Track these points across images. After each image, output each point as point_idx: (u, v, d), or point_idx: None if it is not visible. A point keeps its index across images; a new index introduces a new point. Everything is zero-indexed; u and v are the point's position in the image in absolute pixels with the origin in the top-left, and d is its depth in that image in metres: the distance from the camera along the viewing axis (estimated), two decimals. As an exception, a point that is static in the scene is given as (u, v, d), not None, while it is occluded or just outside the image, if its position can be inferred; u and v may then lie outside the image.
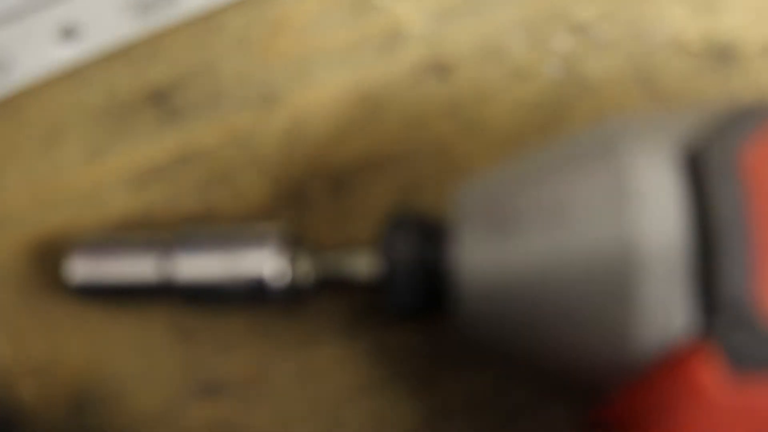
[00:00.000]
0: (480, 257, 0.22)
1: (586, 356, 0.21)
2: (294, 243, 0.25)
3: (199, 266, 0.25)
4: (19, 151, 0.30)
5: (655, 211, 0.20)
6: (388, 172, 0.29)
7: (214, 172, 0.30)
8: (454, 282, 0.22)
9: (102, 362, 0.29)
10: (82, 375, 0.29)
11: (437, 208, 0.28)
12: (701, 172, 0.20)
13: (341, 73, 0.30)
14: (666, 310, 0.20)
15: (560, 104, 0.29)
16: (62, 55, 0.30)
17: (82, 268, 0.26)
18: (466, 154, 0.29)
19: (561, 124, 0.29)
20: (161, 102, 0.30)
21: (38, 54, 0.30)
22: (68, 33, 0.30)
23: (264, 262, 0.24)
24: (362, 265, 0.24)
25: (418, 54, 0.30)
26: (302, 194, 0.29)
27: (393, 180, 0.29)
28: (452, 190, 0.23)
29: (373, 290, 0.24)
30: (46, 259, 0.30)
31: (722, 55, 0.30)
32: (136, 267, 0.25)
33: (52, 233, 0.30)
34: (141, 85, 0.30)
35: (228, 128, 0.30)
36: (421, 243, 0.24)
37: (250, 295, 0.25)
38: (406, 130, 0.29)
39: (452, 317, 0.24)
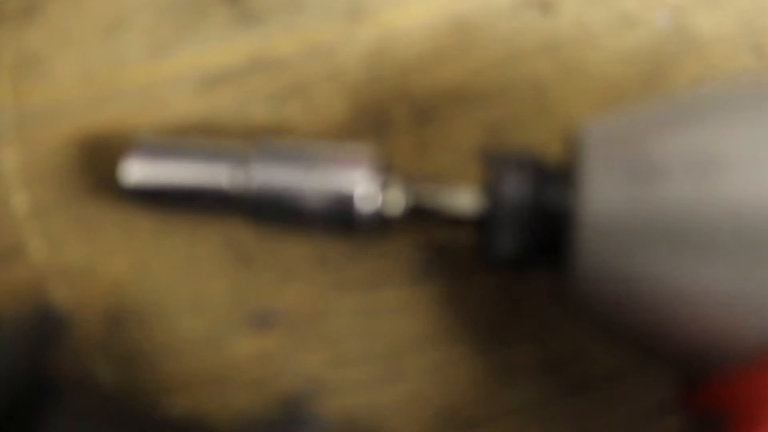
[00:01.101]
0: (610, 202, 0.19)
1: (712, 329, 0.19)
2: (386, 168, 0.22)
3: (279, 178, 0.22)
4: (77, 39, 0.27)
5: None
6: (477, 107, 0.26)
7: (289, 83, 0.27)
8: (576, 227, 0.19)
9: (145, 276, 0.26)
10: (122, 288, 0.26)
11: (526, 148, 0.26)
12: None
13: (438, -7, 0.27)
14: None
15: (666, 57, 0.27)
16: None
17: (139, 169, 0.23)
18: (562, 97, 0.26)
19: (664, 79, 0.27)
20: (237, 1, 0.27)
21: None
22: None
23: (356, 183, 0.22)
24: (465, 200, 0.22)
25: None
26: (383, 119, 0.26)
27: (482, 115, 0.26)
28: (576, 128, 0.21)
29: (472, 231, 0.22)
30: (95, 157, 0.27)
31: None
32: (204, 173, 0.23)
33: (104, 130, 0.27)
34: (217, -20, 0.27)
35: (308, 38, 0.27)
36: (537, 182, 0.21)
37: (334, 218, 0.22)
38: (500, 63, 0.27)
39: (559, 271, 0.21)
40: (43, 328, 0.17)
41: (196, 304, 0.26)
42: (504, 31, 0.27)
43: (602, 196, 0.20)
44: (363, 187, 0.22)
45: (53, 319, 0.18)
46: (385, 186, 0.22)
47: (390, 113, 0.26)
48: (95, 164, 0.27)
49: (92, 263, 0.26)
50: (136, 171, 0.23)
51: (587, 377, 0.25)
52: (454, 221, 0.22)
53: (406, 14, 0.27)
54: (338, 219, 0.22)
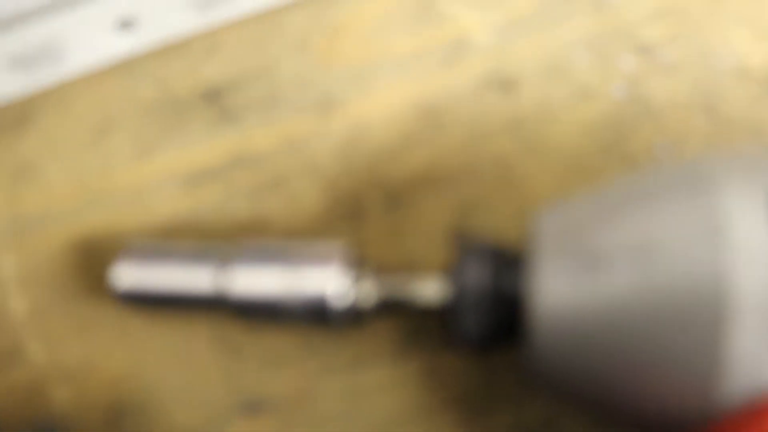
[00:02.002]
0: (560, 289, 0.21)
1: (667, 401, 0.20)
2: (357, 263, 0.24)
3: (257, 281, 0.24)
4: (66, 143, 0.29)
5: (751, 253, 0.19)
6: (446, 188, 0.28)
7: (268, 177, 0.28)
8: (530, 313, 0.21)
9: (141, 372, 0.28)
10: (120, 384, 0.28)
11: (495, 229, 0.27)
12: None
13: (403, 82, 0.29)
14: (758, 360, 0.19)
15: (623, 126, 0.28)
16: (118, 45, 0.29)
17: (129, 275, 0.25)
18: (525, 172, 0.28)
19: (623, 146, 0.28)
20: (216, 101, 0.29)
21: (93, 43, 0.29)
22: (126, 24, 0.29)
23: (328, 281, 0.23)
24: (430, 290, 0.24)
25: (482, 66, 0.29)
26: (358, 206, 0.28)
27: (450, 197, 0.28)
28: (530, 217, 0.22)
29: (440, 317, 0.23)
30: (88, 260, 0.28)
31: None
32: (189, 277, 0.24)
33: (96, 232, 0.28)
34: (196, 83, 0.29)
35: (284, 133, 0.29)
36: (495, 270, 0.23)
37: (310, 314, 0.24)
38: (467, 145, 0.28)
39: (521, 349, 0.22)
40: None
41: (190, 395, 0.27)
42: (468, 113, 0.29)
43: (552, 284, 0.21)
44: (334, 284, 0.24)
45: (56, 429, 0.19)
46: (356, 280, 0.24)
47: (363, 201, 0.28)
48: (89, 266, 0.28)
49: (90, 362, 0.28)
50: (125, 277, 0.25)
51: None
52: (423, 309, 0.24)
53: (374, 104, 0.29)
54: (314, 315, 0.24)
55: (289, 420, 0.27)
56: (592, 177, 0.28)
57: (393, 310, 0.24)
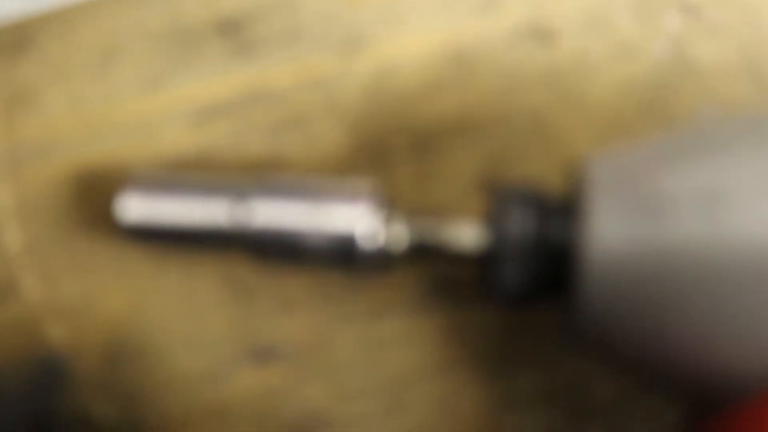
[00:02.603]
0: (615, 236, 0.19)
1: (727, 365, 0.19)
2: (388, 203, 0.22)
3: (279, 215, 0.22)
4: (70, 73, 0.27)
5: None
6: (478, 138, 0.26)
7: (286, 115, 0.26)
8: (580, 262, 0.19)
9: (143, 313, 0.26)
10: (120, 325, 0.26)
11: (528, 181, 0.26)
12: None
13: (436, 24, 0.27)
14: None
15: (665, 87, 0.27)
16: (131, -34, 0.27)
17: (136, 205, 0.23)
18: (561, 127, 0.26)
19: (664, 108, 0.27)
20: (232, 33, 0.27)
21: (105, -38, 0.27)
22: (142, -58, 0.27)
23: (357, 220, 0.21)
24: (467, 235, 0.22)
25: (520, 15, 0.27)
26: (382, 150, 0.26)
27: (481, 146, 0.26)
28: (579, 162, 0.20)
29: (476, 266, 0.21)
30: (90, 193, 0.26)
31: None
32: (203, 209, 0.22)
33: (99, 165, 0.26)
34: (211, 12, 0.27)
35: (305, 69, 0.27)
36: (541, 216, 0.21)
37: (336, 255, 0.22)
38: (500, 94, 0.26)
39: (565, 304, 0.20)
40: (45, 378, 0.17)
41: (195, 339, 0.25)
42: (503, 62, 0.27)
43: (607, 231, 0.19)
44: (364, 224, 0.22)
45: (54, 368, 0.17)
46: (387, 222, 0.22)
47: (388, 145, 0.26)
48: (90, 200, 0.26)
49: (88, 301, 0.26)
50: (132, 208, 0.23)
51: (590, 406, 0.25)
52: (456, 256, 0.22)
53: (404, 45, 0.27)
54: (340, 256, 0.22)
55: (301, 369, 0.25)
56: (630, 137, 0.26)
57: (423, 256, 0.22)
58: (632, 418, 0.25)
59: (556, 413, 0.25)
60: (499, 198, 0.21)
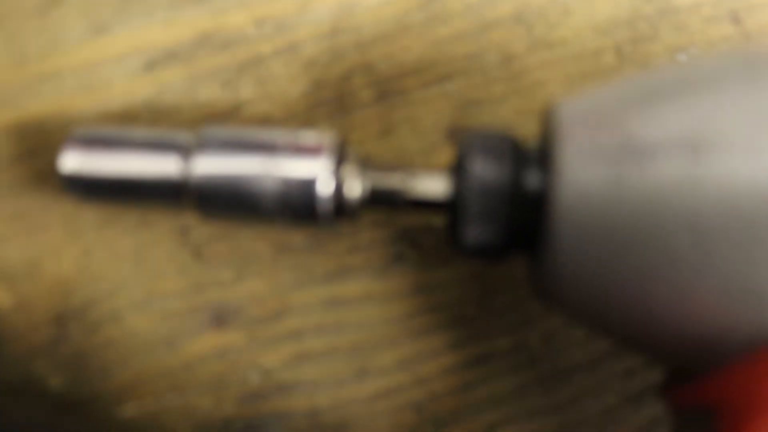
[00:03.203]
0: (593, 186, 0.18)
1: (705, 321, 0.17)
2: (348, 154, 0.21)
3: (234, 167, 0.20)
4: (9, 19, 0.25)
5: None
6: (444, 81, 0.25)
7: (242, 59, 0.25)
8: (554, 210, 0.18)
9: (93, 276, 0.24)
10: (70, 288, 0.24)
11: (498, 127, 0.24)
12: None
13: (399, -40, 0.25)
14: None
15: (641, 27, 0.25)
16: None
17: (80, 161, 0.21)
18: (534, 68, 0.25)
19: (641, 48, 0.25)
20: (183, -27, 0.25)
21: None
22: None
23: (316, 170, 0.20)
24: (434, 185, 0.20)
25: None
26: (342, 94, 0.24)
27: (449, 90, 0.25)
28: (551, 106, 0.19)
29: (443, 215, 0.20)
30: (33, 148, 0.25)
31: None
32: (152, 162, 0.21)
33: (42, 116, 0.25)
34: (160, -49, 0.25)
35: (261, 10, 0.25)
36: (510, 164, 0.19)
37: (295, 206, 0.20)
38: (468, 34, 0.25)
39: (537, 256, 0.19)
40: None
41: (148, 302, 0.24)
42: (471, 0, 0.25)
43: (582, 179, 0.18)
44: (324, 174, 0.20)
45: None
46: (346, 171, 0.20)
47: (349, 89, 0.25)
48: (35, 155, 0.25)
49: (34, 260, 0.24)
50: (76, 162, 0.21)
51: (561, 369, 0.24)
52: (423, 207, 0.20)
53: (366, -17, 0.25)
54: (299, 207, 0.20)
55: (260, 333, 0.23)
56: (605, 77, 0.24)
57: (388, 206, 0.21)
58: (603, 379, 0.24)
59: (527, 375, 0.24)
60: (465, 145, 0.20)
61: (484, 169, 0.19)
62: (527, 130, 0.24)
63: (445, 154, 0.24)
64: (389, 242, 0.24)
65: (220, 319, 0.24)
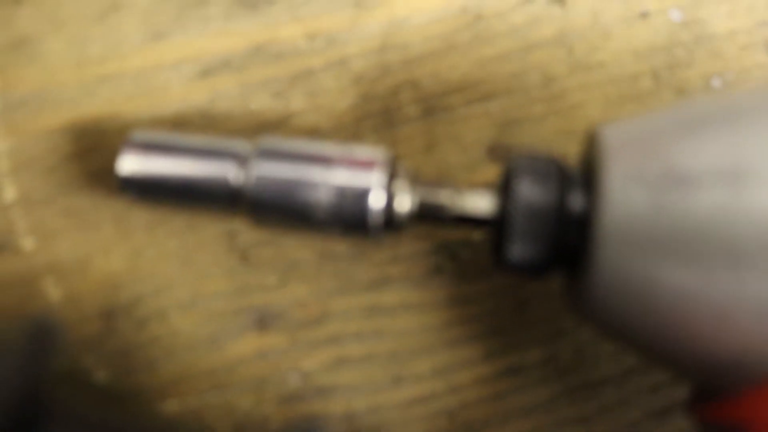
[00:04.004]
0: (635, 210, 0.18)
1: (738, 342, 0.18)
2: (399, 172, 0.21)
3: (289, 176, 0.21)
4: (70, 20, 0.26)
5: None
6: (487, 99, 0.25)
7: (292, 71, 0.26)
8: (598, 231, 0.19)
9: (142, 275, 0.25)
10: (117, 284, 0.25)
11: (537, 145, 0.25)
12: None
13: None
14: None
15: (678, 53, 0.26)
16: None
17: (137, 163, 0.22)
18: (574, 89, 0.26)
19: (678, 73, 0.26)
20: (238, -16, 0.26)
21: None
22: None
23: (370, 185, 0.21)
24: (480, 202, 0.21)
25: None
26: (389, 108, 0.25)
27: (492, 108, 0.26)
28: (596, 130, 0.20)
29: (487, 235, 0.21)
30: (89, 148, 0.25)
31: None
32: (210, 168, 0.22)
33: (99, 118, 0.25)
34: (217, -38, 0.26)
35: (313, 25, 0.26)
36: (554, 187, 0.20)
37: (346, 218, 0.21)
38: (512, 55, 0.26)
39: (578, 274, 0.20)
40: (42, 341, 0.16)
41: (194, 302, 0.25)
42: (515, 22, 0.26)
43: (625, 203, 0.19)
44: (377, 186, 0.21)
45: (49, 327, 0.17)
46: (397, 185, 0.21)
47: (395, 104, 0.25)
48: (89, 155, 0.25)
49: (85, 258, 0.25)
50: (134, 165, 0.22)
51: (592, 380, 0.25)
52: (468, 223, 0.21)
53: (416, 2, 0.26)
54: (351, 218, 0.21)
55: (304, 336, 0.24)
56: (642, 101, 0.25)
57: (434, 222, 0.21)
58: (634, 392, 0.25)
59: (557, 386, 0.25)
60: (512, 166, 0.21)
61: (531, 190, 0.20)
62: (566, 150, 0.25)
63: (486, 170, 0.25)
64: (429, 254, 0.25)
65: (263, 321, 0.25)
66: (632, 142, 0.20)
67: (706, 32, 0.26)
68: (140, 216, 0.25)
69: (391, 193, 0.21)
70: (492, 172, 0.25)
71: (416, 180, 0.22)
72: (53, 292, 0.25)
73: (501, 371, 0.25)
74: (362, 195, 0.21)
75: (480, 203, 0.21)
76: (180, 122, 0.25)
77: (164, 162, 0.22)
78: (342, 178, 0.21)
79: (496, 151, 0.25)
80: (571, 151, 0.25)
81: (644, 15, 0.26)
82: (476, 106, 0.25)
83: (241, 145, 0.22)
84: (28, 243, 0.25)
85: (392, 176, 0.21)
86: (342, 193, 0.21)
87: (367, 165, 0.21)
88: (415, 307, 0.25)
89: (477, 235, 0.24)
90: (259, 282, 0.25)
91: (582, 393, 0.25)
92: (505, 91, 0.26)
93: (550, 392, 0.25)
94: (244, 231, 0.25)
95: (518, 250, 0.20)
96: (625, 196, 0.19)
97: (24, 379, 0.16)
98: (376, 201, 0.21)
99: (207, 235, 0.25)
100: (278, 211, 0.21)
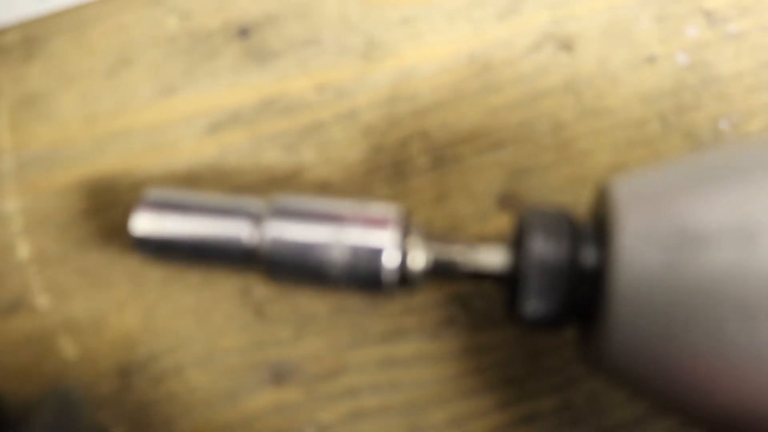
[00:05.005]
0: (648, 267, 0.19)
1: (754, 398, 0.18)
2: (412, 229, 0.22)
3: (303, 236, 0.21)
4: (79, 75, 0.26)
5: None
6: (497, 147, 0.26)
7: (302, 124, 0.26)
8: (612, 288, 0.19)
9: (157, 331, 0.25)
10: (132, 340, 0.25)
11: (547, 193, 0.25)
12: None
13: (455, 31, 0.27)
14: None
15: (685, 96, 0.26)
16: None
17: (151, 222, 0.22)
18: (583, 136, 0.26)
19: (685, 117, 0.26)
20: (247, 38, 0.26)
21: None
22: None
23: (384, 243, 0.21)
24: (493, 259, 0.21)
25: (540, 21, 0.27)
26: (400, 159, 0.26)
27: (502, 156, 0.26)
28: (607, 185, 0.20)
29: (499, 289, 0.21)
30: (101, 204, 0.26)
31: None
32: (226, 227, 0.22)
33: (110, 174, 0.26)
34: (226, 16, 0.27)
35: (322, 77, 0.26)
36: (567, 242, 0.20)
37: (360, 277, 0.21)
38: (520, 103, 0.26)
39: (591, 328, 0.20)
40: (70, 414, 0.16)
41: (209, 357, 0.25)
42: (523, 70, 0.26)
43: (638, 261, 0.19)
44: (391, 247, 0.21)
45: (77, 402, 0.17)
46: (410, 243, 0.21)
47: (407, 156, 0.26)
48: (102, 211, 0.26)
49: (100, 315, 0.25)
50: (148, 225, 0.22)
51: (606, 427, 0.25)
52: (481, 278, 0.21)
53: (424, 52, 0.26)
54: (365, 276, 0.21)
55: (320, 389, 0.24)
56: (651, 145, 0.25)
57: (448, 277, 0.22)
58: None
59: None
60: (524, 222, 0.21)
61: (544, 247, 0.20)
62: (576, 196, 0.25)
63: (497, 220, 0.25)
64: (442, 305, 0.25)
65: (279, 376, 0.25)
66: (643, 198, 0.20)
67: (712, 74, 0.26)
68: (154, 273, 0.25)
69: (405, 251, 0.21)
70: (503, 221, 0.25)
71: (429, 236, 0.22)
72: (69, 349, 0.25)
73: (516, 420, 0.25)
74: (376, 254, 0.21)
75: (493, 258, 0.21)
76: (191, 177, 0.25)
77: (178, 221, 0.22)
78: (355, 237, 0.21)
79: (507, 201, 0.25)
80: (581, 198, 0.25)
81: (651, 59, 0.26)
82: (486, 155, 0.26)
83: (254, 204, 0.22)
84: (42, 301, 0.25)
85: (405, 233, 0.21)
86: (356, 252, 0.21)
87: (380, 223, 0.21)
88: (430, 358, 0.25)
89: (489, 285, 0.24)
90: (274, 336, 0.25)
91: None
92: (515, 139, 0.26)
93: (564, 440, 0.25)
94: (258, 286, 0.25)
95: (532, 305, 0.20)
96: (637, 254, 0.19)
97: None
98: (390, 260, 0.21)
99: (221, 290, 0.25)
100: (293, 269, 0.22)
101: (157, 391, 0.25)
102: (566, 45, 0.26)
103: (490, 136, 0.26)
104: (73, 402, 0.17)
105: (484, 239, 0.22)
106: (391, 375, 0.25)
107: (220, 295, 0.25)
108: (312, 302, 0.25)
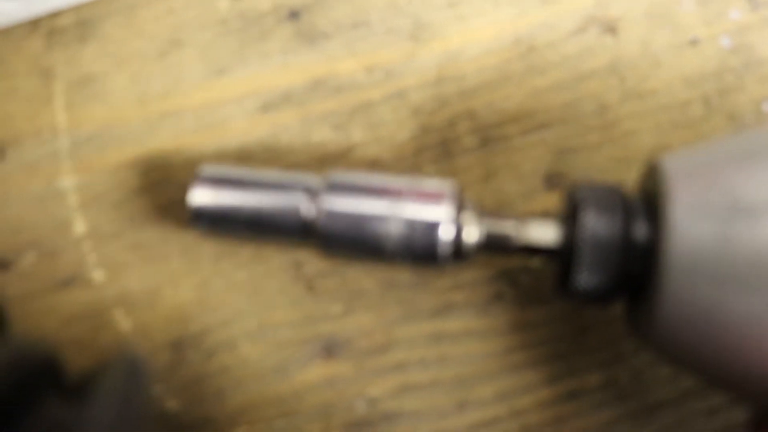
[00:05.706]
0: (700, 241, 0.19)
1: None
2: (466, 204, 0.22)
3: (360, 209, 0.22)
4: (134, 60, 0.27)
5: None
6: (542, 128, 0.26)
7: (351, 104, 0.26)
8: (665, 261, 0.19)
9: (210, 305, 0.26)
10: (186, 315, 0.26)
11: (592, 172, 0.25)
12: None
13: (501, 13, 0.27)
14: None
15: (729, 79, 0.26)
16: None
17: (208, 198, 0.23)
18: (627, 118, 0.26)
19: (728, 99, 0.26)
20: (298, 19, 0.27)
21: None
22: (211, -72, 0.27)
23: (439, 218, 0.21)
24: (545, 235, 0.21)
25: (584, 5, 0.27)
26: (448, 141, 0.26)
27: (547, 137, 0.26)
28: (657, 162, 0.20)
29: (550, 265, 0.21)
30: (155, 182, 0.26)
31: None
32: (282, 201, 0.22)
33: (163, 153, 0.26)
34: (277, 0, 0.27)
35: (371, 58, 0.26)
36: (618, 217, 0.20)
37: (416, 249, 0.21)
38: (565, 84, 0.26)
39: (643, 302, 0.20)
40: (137, 381, 0.17)
41: (261, 331, 0.25)
42: (568, 52, 0.27)
43: (691, 234, 0.19)
44: (446, 219, 0.21)
45: (143, 370, 0.17)
46: (465, 217, 0.22)
47: (455, 135, 0.26)
48: (155, 189, 0.26)
49: (154, 290, 0.26)
50: (206, 198, 0.23)
51: (651, 404, 0.25)
52: (533, 253, 0.22)
53: (470, 34, 0.27)
54: (421, 249, 0.22)
55: (370, 364, 0.25)
56: (694, 127, 0.26)
57: (500, 252, 0.22)
58: (692, 414, 0.25)
59: (616, 410, 0.25)
60: (578, 197, 0.21)
61: (597, 221, 0.21)
62: (620, 177, 0.26)
63: (543, 199, 0.26)
64: (490, 281, 0.25)
65: (330, 350, 0.25)
66: (694, 172, 0.20)
67: (755, 57, 0.26)
68: (207, 248, 0.25)
69: (459, 225, 0.22)
70: (549, 200, 0.25)
71: (481, 211, 0.22)
72: (124, 323, 0.25)
73: (562, 395, 0.25)
74: (432, 227, 0.21)
75: (545, 233, 0.22)
76: (243, 155, 0.26)
77: (235, 194, 0.23)
78: (411, 210, 0.21)
79: (553, 180, 0.25)
80: (625, 178, 0.25)
81: (694, 42, 0.26)
82: (532, 135, 0.26)
83: (310, 179, 0.23)
84: (98, 275, 0.26)
85: (460, 208, 0.22)
86: (412, 225, 0.21)
87: (436, 197, 0.22)
88: (478, 333, 0.25)
89: (536, 262, 0.25)
90: (324, 311, 0.25)
91: (641, 416, 0.25)
92: (560, 120, 0.26)
93: (609, 416, 0.25)
94: (310, 261, 0.25)
95: (585, 279, 0.21)
96: (690, 227, 0.19)
97: (124, 422, 0.16)
98: (446, 233, 0.21)
99: (273, 265, 0.25)
100: (349, 243, 0.22)
101: (210, 365, 0.25)
102: (610, 27, 0.27)
103: (536, 116, 0.26)
104: (138, 368, 0.17)
105: (533, 215, 0.22)
106: (440, 350, 0.25)
107: (271, 270, 0.25)
108: (362, 278, 0.25)
